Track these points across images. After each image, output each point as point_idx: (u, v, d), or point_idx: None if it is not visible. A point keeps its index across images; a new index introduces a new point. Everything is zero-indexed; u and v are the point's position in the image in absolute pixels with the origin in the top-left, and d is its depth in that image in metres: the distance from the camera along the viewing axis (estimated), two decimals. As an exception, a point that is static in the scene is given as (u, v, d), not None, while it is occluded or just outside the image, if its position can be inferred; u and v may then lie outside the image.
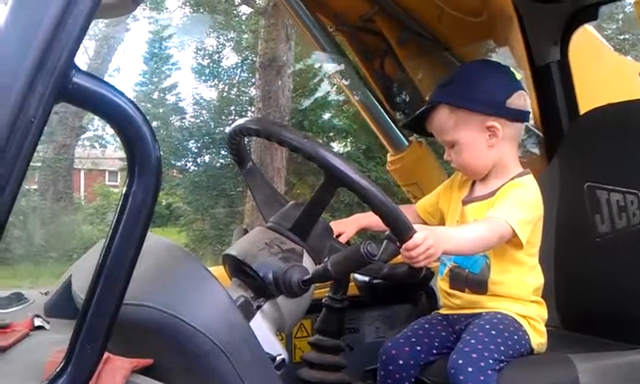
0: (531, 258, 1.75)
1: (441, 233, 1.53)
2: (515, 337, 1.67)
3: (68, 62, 0.76)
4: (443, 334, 1.80)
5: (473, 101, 1.72)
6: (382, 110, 2.69)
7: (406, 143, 2.66)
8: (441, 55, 2.58)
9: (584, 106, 2.34)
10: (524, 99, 1.77)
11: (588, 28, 2.53)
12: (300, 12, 2.54)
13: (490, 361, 1.58)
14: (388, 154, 2.74)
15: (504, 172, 1.76)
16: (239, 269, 1.46)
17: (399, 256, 1.46)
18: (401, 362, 1.74)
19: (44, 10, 0.75)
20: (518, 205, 1.66)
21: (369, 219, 1.81)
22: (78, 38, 0.77)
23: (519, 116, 1.76)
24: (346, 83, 2.79)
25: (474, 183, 1.83)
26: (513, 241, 1.65)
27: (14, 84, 0.73)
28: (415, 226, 1.40)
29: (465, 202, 1.80)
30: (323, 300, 1.79)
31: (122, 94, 0.82)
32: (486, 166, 1.76)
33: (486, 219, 1.63)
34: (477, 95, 1.73)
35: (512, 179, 1.74)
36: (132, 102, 0.82)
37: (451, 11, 2.37)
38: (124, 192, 0.83)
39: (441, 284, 1.84)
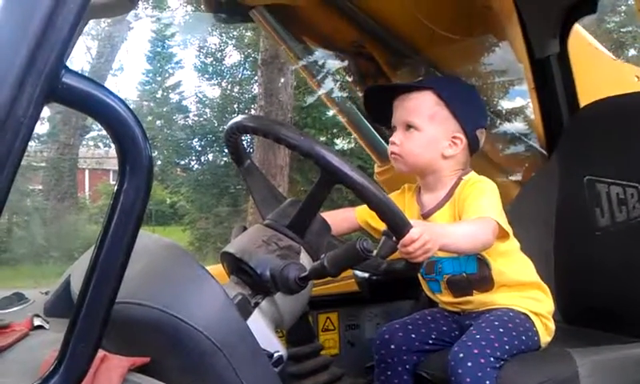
0: (513, 243, 1.75)
1: (437, 228, 1.53)
2: (523, 337, 1.67)
3: (58, 62, 0.76)
4: (444, 328, 1.81)
5: (463, 109, 1.75)
6: (368, 123, 2.71)
7: None
8: (433, 74, 2.59)
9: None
10: (483, 138, 1.82)
11: (584, 35, 2.54)
12: (287, 39, 2.58)
13: (491, 358, 1.57)
14: (375, 165, 2.75)
15: (444, 182, 1.77)
16: (237, 266, 1.46)
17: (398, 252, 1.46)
18: (392, 346, 1.75)
19: (33, 10, 0.75)
20: (489, 198, 1.67)
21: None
22: (67, 37, 0.77)
23: (475, 147, 1.79)
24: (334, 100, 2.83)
25: (419, 198, 1.83)
26: (498, 234, 1.64)
27: (3, 84, 0.73)
28: (412, 221, 1.40)
29: (426, 216, 1.78)
30: None
31: (112, 93, 0.82)
32: (426, 167, 1.76)
33: (477, 218, 1.62)
34: (468, 108, 1.77)
35: (461, 179, 1.75)
36: (122, 101, 0.82)
37: (442, 32, 2.38)
38: (115, 191, 0.84)
39: (443, 298, 1.82)
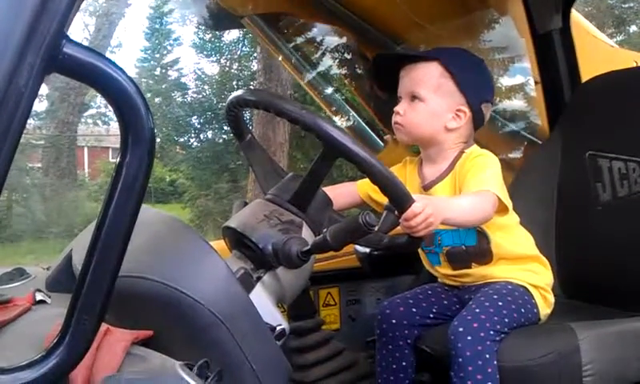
0: (513, 217, 1.76)
1: (440, 201, 1.53)
2: (522, 310, 1.67)
3: (58, 31, 0.75)
4: (445, 302, 1.81)
5: (469, 82, 1.74)
6: (355, 114, 2.70)
7: (382, 144, 2.67)
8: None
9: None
10: (488, 112, 1.81)
11: (584, 23, 2.51)
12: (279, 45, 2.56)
13: (491, 332, 1.58)
14: None
15: (445, 154, 1.77)
16: (239, 241, 1.46)
17: (399, 227, 1.46)
18: (394, 321, 1.76)
19: (33, -22, 0.74)
20: (490, 172, 1.67)
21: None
22: (68, 6, 0.75)
23: (479, 122, 1.78)
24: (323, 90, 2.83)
25: (421, 171, 1.82)
26: (498, 208, 1.64)
27: (3, 54, 0.72)
28: (414, 196, 1.40)
29: (426, 188, 1.78)
30: None
31: (114, 64, 0.81)
32: (428, 139, 1.76)
33: (478, 192, 1.62)
34: (474, 81, 1.76)
35: (463, 152, 1.75)
36: (124, 72, 0.81)
37: (439, 32, 2.36)
38: (117, 164, 0.82)
39: (442, 271, 1.83)
